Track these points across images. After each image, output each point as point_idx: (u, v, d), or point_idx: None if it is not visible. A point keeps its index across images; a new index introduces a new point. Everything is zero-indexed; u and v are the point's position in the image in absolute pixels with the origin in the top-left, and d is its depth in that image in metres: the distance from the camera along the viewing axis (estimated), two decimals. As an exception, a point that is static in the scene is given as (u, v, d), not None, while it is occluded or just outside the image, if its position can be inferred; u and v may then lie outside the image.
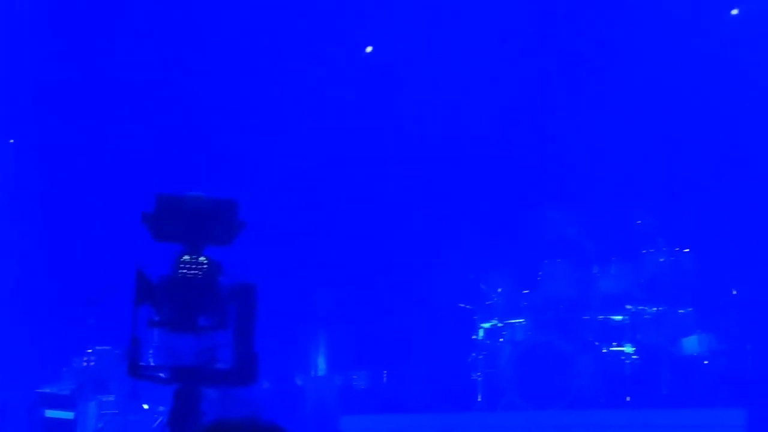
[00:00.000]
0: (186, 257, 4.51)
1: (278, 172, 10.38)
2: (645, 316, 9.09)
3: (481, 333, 9.23)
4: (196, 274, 4.51)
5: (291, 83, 10.62)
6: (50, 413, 8.00)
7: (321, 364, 10.03)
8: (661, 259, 9.23)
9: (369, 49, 11.17)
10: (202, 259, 4.53)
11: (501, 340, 9.10)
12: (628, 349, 9.01)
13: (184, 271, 4.50)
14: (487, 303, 9.28)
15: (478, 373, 9.05)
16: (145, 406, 7.97)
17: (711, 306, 9.28)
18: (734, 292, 9.28)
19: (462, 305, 9.45)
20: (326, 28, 10.77)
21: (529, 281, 9.25)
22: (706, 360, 8.99)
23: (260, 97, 10.52)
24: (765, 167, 9.81)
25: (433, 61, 10.46)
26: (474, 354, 9.18)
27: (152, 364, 4.82)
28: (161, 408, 7.46)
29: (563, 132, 10.09)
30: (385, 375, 9.95)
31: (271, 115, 10.44)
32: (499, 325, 9.15)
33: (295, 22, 10.66)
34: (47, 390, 8.13)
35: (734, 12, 10.51)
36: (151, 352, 4.88)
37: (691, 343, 9.03)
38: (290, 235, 10.09)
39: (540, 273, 9.23)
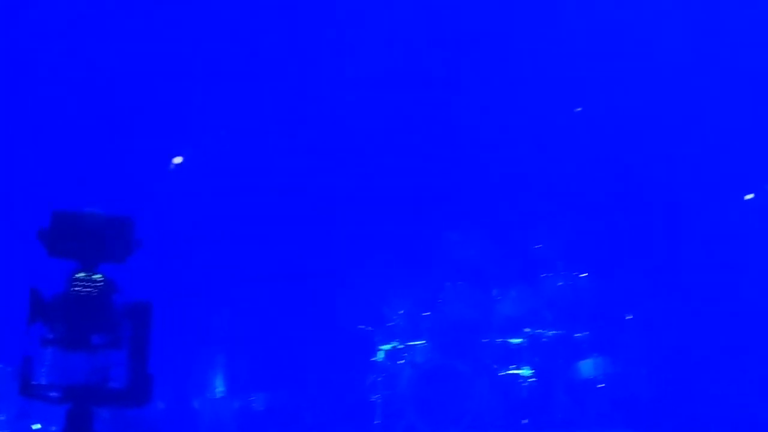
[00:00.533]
0: (80, 274, 4.45)
1: (177, 190, 10.26)
2: (543, 340, 9.13)
3: (381, 355, 9.21)
4: (91, 291, 4.45)
5: (183, 103, 10.49)
6: (-62, 433, 7.77)
7: (219, 386, 9.92)
8: (560, 283, 9.31)
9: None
10: (96, 276, 4.47)
11: (401, 362, 9.09)
12: (525, 372, 9.03)
13: (78, 288, 4.43)
14: (387, 325, 9.28)
15: (377, 396, 9.02)
16: (37, 426, 7.79)
17: (607, 330, 9.31)
18: (629, 317, 9.35)
19: (362, 327, 9.44)
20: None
21: (430, 303, 9.25)
22: (601, 383, 9.06)
23: (155, 112, 10.38)
24: (661, 193, 10.02)
25: (333, 88, 10.36)
26: (373, 376, 9.16)
27: (44, 383, 4.76)
28: (53, 428, 7.35)
29: (465, 155, 10.18)
30: (282, 397, 9.86)
31: (168, 131, 10.31)
32: (400, 346, 9.13)
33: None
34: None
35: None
36: (43, 370, 4.81)
37: (587, 367, 9.09)
38: (189, 255, 9.97)
39: (441, 295, 9.24)
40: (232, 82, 10.40)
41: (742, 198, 10.06)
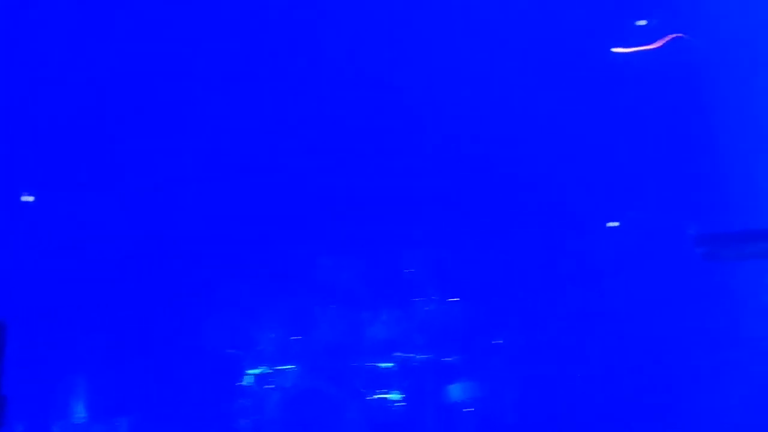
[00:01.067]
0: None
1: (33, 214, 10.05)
2: (412, 364, 9.16)
3: (249, 379, 9.17)
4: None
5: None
6: None
7: (80, 411, 9.69)
8: (430, 308, 9.37)
9: None
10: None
11: (269, 386, 9.05)
12: (394, 396, 9.08)
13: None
14: (256, 348, 9.23)
15: (245, 421, 8.99)
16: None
17: (475, 354, 9.40)
18: (499, 341, 9.49)
19: (230, 350, 9.38)
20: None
21: (300, 327, 9.27)
22: (469, 407, 9.15)
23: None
24: (528, 219, 10.18)
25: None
26: (241, 401, 9.11)
27: None
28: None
29: (336, 179, 10.18)
30: (146, 422, 9.69)
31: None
32: (268, 371, 9.10)
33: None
34: None
35: None
36: None
37: (456, 391, 9.14)
38: (49, 273, 9.77)
39: (311, 319, 9.26)
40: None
41: (605, 225, 10.29)
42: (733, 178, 10.13)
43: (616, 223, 10.31)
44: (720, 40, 10.26)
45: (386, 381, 9.15)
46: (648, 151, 10.39)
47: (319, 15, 10.50)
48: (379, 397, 9.07)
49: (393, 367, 9.15)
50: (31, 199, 10.41)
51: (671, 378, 9.80)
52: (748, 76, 10.28)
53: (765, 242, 5.19)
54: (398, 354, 9.20)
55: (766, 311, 8.05)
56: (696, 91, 10.40)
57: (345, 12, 10.35)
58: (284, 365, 9.12)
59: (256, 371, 9.15)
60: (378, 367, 9.18)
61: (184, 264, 10.03)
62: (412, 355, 9.21)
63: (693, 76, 10.44)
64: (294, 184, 9.90)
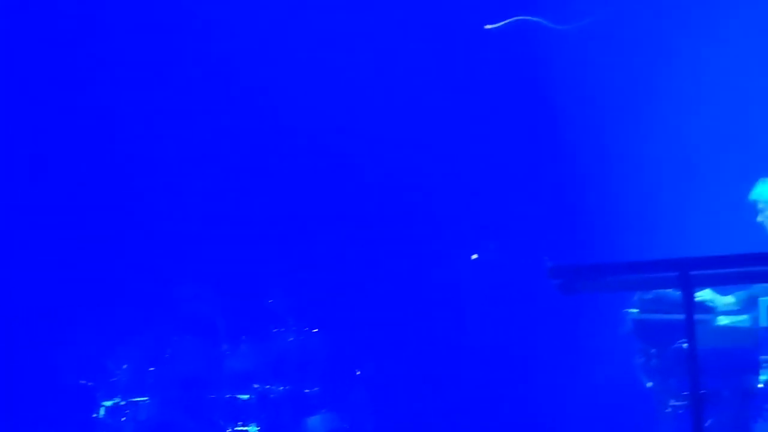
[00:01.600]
0: None
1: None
2: (271, 395, 9.23)
3: (102, 411, 9.10)
4: None
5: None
6: None
7: None
8: (290, 339, 9.44)
9: None
10: None
11: (123, 419, 9.00)
12: (252, 428, 9.11)
13: None
14: (110, 380, 9.15)
15: (99, 453, 8.92)
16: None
17: (336, 384, 9.55)
18: (358, 372, 9.66)
19: (83, 381, 9.28)
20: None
21: (156, 358, 9.24)
22: None
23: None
24: (385, 255, 10.47)
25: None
26: (95, 433, 9.06)
27: None
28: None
29: (191, 210, 10.33)
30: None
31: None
32: (122, 403, 9.05)
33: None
34: None
35: None
36: None
37: (316, 423, 9.27)
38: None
39: (168, 350, 9.24)
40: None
41: (470, 257, 10.44)
42: (587, 213, 10.47)
43: (475, 256, 10.55)
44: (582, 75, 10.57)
45: (244, 413, 9.19)
46: (508, 185, 10.68)
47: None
48: (237, 430, 9.11)
49: (251, 398, 9.20)
50: None
51: (528, 399, 10.09)
52: (606, 113, 10.58)
53: (615, 276, 5.53)
54: (257, 385, 9.24)
55: (617, 342, 8.36)
56: (552, 129, 10.72)
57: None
58: (139, 397, 9.07)
59: (110, 403, 9.08)
60: (236, 398, 9.21)
61: (38, 293, 10.08)
62: (270, 386, 9.27)
63: (552, 116, 10.77)
64: (151, 213, 10.02)
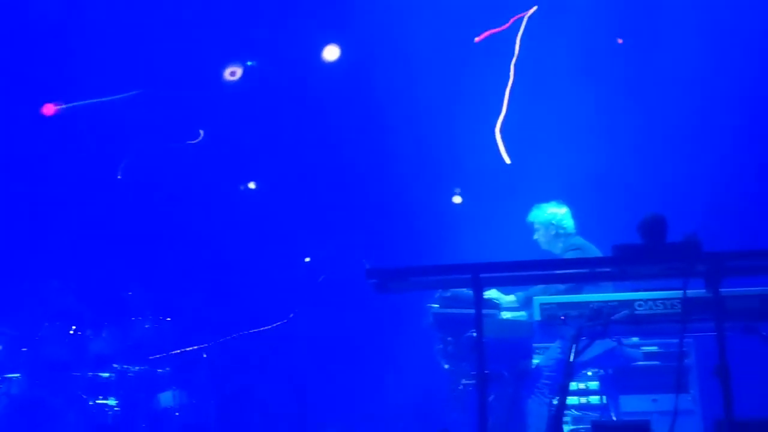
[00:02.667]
0: None
1: None
2: (129, 374, 9.21)
3: (-20, 386, 9.09)
4: None
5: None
6: None
7: None
8: (147, 326, 9.46)
9: None
10: None
11: (-1, 393, 9.03)
12: (111, 402, 9.09)
13: None
14: (-14, 359, 9.15)
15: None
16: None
17: (185, 365, 9.54)
18: (204, 356, 9.68)
19: None
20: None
21: (28, 341, 9.13)
22: (177, 412, 9.28)
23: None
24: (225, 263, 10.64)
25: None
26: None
27: None
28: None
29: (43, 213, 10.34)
30: None
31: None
32: (-3, 379, 9.07)
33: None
34: None
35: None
36: None
37: (166, 398, 9.27)
38: None
39: (38, 334, 9.16)
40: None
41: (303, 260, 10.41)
42: (402, 227, 10.81)
43: (308, 259, 10.42)
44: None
45: (105, 389, 9.13)
46: (336, 203, 10.93)
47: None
48: (98, 403, 9.05)
49: (111, 377, 9.19)
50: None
51: (350, 379, 10.33)
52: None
53: (421, 277, 6.06)
54: (116, 365, 9.22)
55: (421, 333, 8.48)
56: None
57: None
58: (12, 374, 8.98)
59: (-15, 379, 9.08)
60: (98, 376, 9.16)
61: None
62: (128, 366, 9.25)
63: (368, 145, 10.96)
64: (29, 215, 9.92)
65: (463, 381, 7.88)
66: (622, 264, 5.87)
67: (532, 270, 6.19)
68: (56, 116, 10.50)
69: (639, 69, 10.58)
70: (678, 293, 5.99)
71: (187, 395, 9.42)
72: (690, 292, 5.99)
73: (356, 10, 10.56)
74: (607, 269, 6.04)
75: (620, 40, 10.78)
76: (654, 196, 9.89)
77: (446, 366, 8.00)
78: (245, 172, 10.90)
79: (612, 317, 6.14)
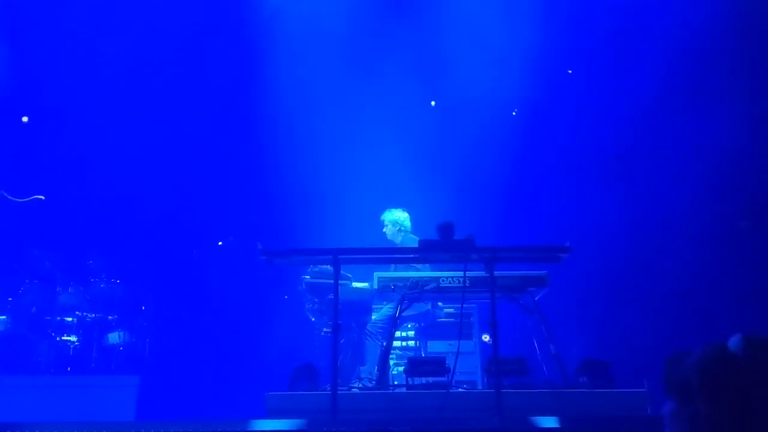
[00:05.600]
0: None
1: None
2: (87, 319, 9.21)
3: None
4: None
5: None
6: None
7: None
8: (102, 285, 9.47)
9: None
10: None
11: (-12, 330, 9.32)
12: (73, 338, 9.11)
13: None
14: (-21, 305, 9.44)
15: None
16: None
17: (128, 314, 9.53)
18: (143, 308, 9.75)
19: None
20: None
21: (13, 293, 9.13)
22: (121, 347, 9.32)
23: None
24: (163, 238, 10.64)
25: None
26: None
27: None
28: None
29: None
30: None
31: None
32: (-12, 320, 9.41)
33: None
34: None
35: None
36: None
37: (114, 337, 9.29)
38: None
39: (21, 288, 9.22)
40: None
41: (217, 243, 10.72)
42: (289, 217, 10.64)
43: (220, 243, 10.81)
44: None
45: (69, 329, 9.13)
46: (241, 198, 10.86)
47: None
48: (63, 339, 9.04)
49: (73, 321, 9.17)
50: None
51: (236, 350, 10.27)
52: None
53: (298, 256, 6.69)
54: (78, 313, 9.23)
55: (297, 295, 8.39)
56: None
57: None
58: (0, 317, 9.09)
59: (-19, 319, 9.33)
60: (65, 320, 9.15)
61: None
62: (87, 314, 9.24)
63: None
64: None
65: (324, 330, 8.07)
66: (425, 252, 6.57)
67: (374, 254, 6.72)
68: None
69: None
70: (470, 273, 6.66)
71: (130, 335, 9.37)
72: (474, 273, 6.71)
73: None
74: (417, 255, 6.76)
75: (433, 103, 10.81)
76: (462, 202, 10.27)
77: (313, 319, 8.12)
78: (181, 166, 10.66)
79: (425, 288, 6.88)
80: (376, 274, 7.01)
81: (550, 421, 5.33)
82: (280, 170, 10.68)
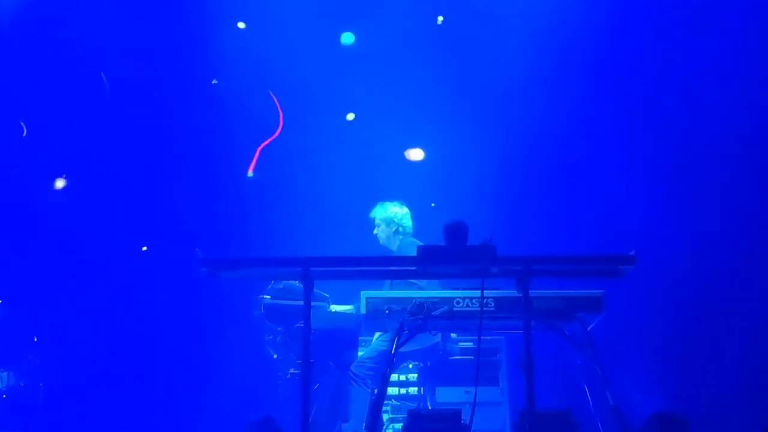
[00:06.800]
0: None
1: None
2: None
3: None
4: None
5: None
6: None
7: None
8: None
9: None
10: None
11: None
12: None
13: None
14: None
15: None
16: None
17: (14, 348, 9.40)
18: (35, 339, 9.52)
19: None
20: None
21: None
22: (4, 395, 9.09)
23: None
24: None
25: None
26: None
27: None
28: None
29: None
30: None
31: None
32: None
33: None
34: None
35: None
36: None
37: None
38: None
39: None
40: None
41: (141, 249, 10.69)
42: (241, 221, 10.71)
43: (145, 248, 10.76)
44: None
45: None
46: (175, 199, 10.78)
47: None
48: None
49: None
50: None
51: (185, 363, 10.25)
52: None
53: (254, 267, 6.12)
54: None
55: (246, 318, 8.67)
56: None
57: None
58: None
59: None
60: None
61: None
62: None
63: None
64: None
65: (291, 370, 7.97)
66: (426, 263, 6.00)
67: (359, 266, 6.26)
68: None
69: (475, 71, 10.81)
70: (494, 293, 6.27)
71: (14, 377, 9.29)
72: (501, 293, 6.33)
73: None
74: (417, 268, 6.17)
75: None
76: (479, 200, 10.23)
77: (275, 356, 8.07)
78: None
79: (432, 313, 6.44)
80: (364, 294, 6.69)
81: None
82: (232, 158, 10.80)
